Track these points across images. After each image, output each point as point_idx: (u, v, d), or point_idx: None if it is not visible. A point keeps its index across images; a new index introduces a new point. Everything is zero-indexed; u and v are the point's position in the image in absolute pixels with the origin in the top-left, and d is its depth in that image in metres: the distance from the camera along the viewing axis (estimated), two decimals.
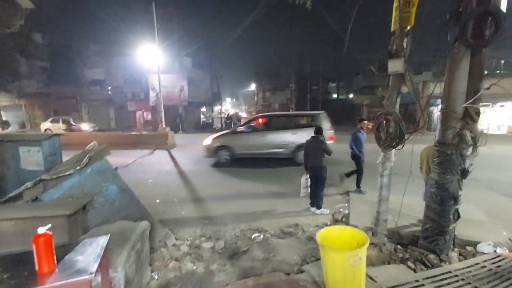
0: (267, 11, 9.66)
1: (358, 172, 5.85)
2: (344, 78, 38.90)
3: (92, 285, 1.40)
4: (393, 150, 3.47)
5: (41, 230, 1.40)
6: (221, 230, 4.12)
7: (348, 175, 6.09)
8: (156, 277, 2.88)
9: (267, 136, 8.84)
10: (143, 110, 25.77)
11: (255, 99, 45.24)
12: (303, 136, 7.94)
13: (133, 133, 16.44)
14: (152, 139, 13.58)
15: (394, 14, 3.26)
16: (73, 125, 21.18)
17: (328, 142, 8.47)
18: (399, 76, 3.27)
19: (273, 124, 9.34)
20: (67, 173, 2.56)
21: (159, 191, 6.11)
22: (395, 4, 3.23)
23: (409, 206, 4.35)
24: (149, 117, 25.52)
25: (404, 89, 3.37)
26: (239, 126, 10.07)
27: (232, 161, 8.93)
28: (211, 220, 4.52)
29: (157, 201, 5.49)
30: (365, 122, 6.10)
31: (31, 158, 2.86)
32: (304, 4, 4.75)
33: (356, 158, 5.83)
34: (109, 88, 25.31)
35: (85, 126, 21.39)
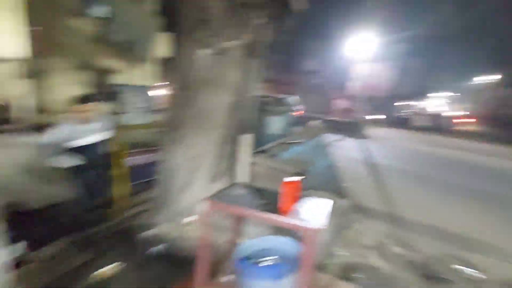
0: None
1: None
2: None
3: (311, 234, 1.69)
4: None
5: (292, 178, 1.87)
6: (414, 240, 3.63)
7: None
8: (342, 255, 3.05)
9: None
10: (343, 98, 26.81)
11: (485, 96, 32.38)
12: None
13: (329, 118, 17.58)
14: (345, 126, 13.90)
15: None
16: None
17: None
18: None
19: None
20: (296, 141, 3.24)
21: (346, 176, 6.15)
22: None
23: None
24: (348, 105, 26.05)
25: None
26: None
27: None
28: (402, 224, 4.09)
29: (345, 185, 5.61)
30: None
31: (276, 125, 3.92)
32: None
33: None
34: (320, 76, 28.40)
35: None
